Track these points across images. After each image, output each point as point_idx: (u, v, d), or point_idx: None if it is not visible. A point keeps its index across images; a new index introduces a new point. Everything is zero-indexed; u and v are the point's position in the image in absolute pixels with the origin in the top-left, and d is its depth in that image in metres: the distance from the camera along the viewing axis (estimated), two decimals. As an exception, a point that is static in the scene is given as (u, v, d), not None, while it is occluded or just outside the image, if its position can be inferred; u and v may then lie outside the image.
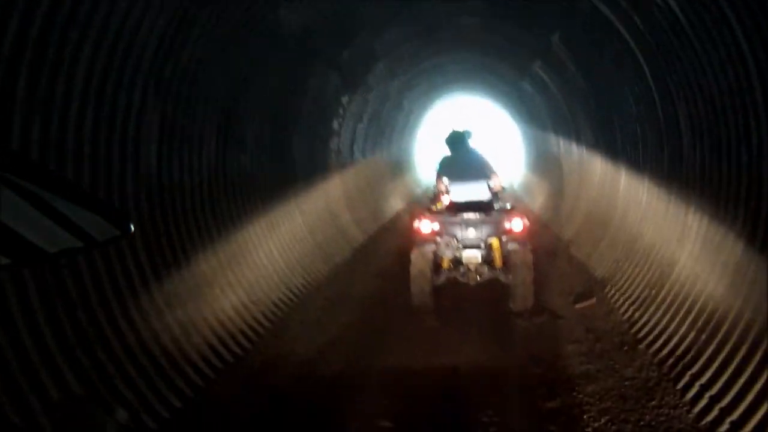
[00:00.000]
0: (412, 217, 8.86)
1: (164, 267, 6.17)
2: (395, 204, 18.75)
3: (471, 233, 8.09)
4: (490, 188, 8.84)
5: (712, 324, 5.73)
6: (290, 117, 9.96)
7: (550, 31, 10.27)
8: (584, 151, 12.42)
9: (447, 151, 9.24)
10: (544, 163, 18.29)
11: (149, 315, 5.72)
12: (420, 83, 17.97)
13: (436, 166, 9.25)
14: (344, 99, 12.66)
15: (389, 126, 18.72)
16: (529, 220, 8.32)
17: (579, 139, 12.76)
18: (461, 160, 8.96)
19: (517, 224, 8.03)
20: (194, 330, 6.36)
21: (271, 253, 8.86)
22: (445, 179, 8.98)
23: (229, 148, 7.68)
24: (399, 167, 21.53)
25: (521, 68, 14.42)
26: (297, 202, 10.46)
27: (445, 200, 9.15)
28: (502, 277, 8.20)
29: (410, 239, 8.43)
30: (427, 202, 9.71)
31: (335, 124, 12.73)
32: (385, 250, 12.65)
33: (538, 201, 17.64)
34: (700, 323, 5.96)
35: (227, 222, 7.71)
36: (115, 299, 5.30)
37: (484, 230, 8.09)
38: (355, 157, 15.18)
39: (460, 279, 8.33)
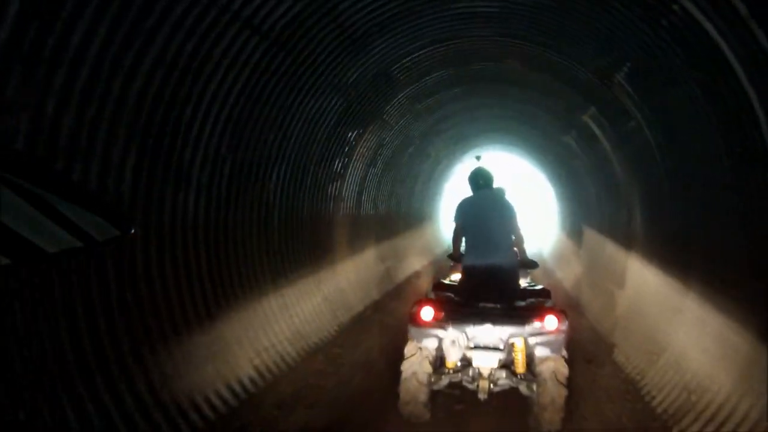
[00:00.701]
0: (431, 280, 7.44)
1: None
2: (411, 264, 16.63)
3: (487, 331, 6.14)
4: (511, 247, 7.17)
5: None
6: (265, 150, 7.75)
7: (613, 61, 8.02)
8: (638, 223, 10.10)
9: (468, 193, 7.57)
10: (581, 232, 16.16)
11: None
12: (447, 129, 15.89)
13: (453, 211, 7.46)
14: (350, 134, 10.42)
15: (411, 175, 16.58)
16: (564, 313, 6.32)
17: (632, 210, 10.46)
18: (483, 203, 7.30)
19: (551, 322, 6.09)
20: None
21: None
22: (462, 238, 7.34)
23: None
24: (420, 223, 19.48)
25: (567, 118, 12.22)
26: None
27: (455, 276, 7.78)
28: (523, 389, 6.35)
29: (406, 329, 6.48)
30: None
31: (338, 165, 10.48)
32: (385, 324, 10.56)
33: (570, 275, 15.40)
34: None
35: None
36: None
37: (506, 327, 6.15)
38: (364, 208, 12.92)
39: (468, 386, 6.46)
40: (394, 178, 14.84)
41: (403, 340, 6.48)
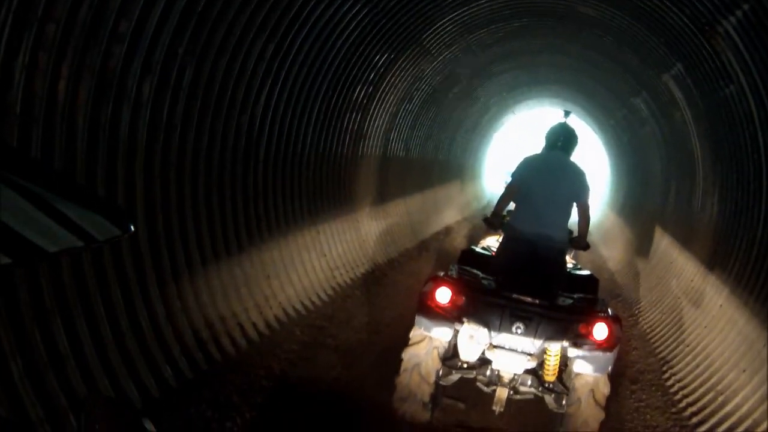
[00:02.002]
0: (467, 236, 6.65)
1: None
2: (445, 217, 15.08)
3: (517, 330, 4.70)
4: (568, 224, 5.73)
5: None
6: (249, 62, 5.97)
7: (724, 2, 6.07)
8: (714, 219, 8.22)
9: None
10: (635, 211, 14.40)
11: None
12: (502, 72, 14.02)
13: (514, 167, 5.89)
14: (377, 59, 8.54)
15: (453, 119, 14.76)
16: (619, 321, 4.97)
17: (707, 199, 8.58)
18: (553, 167, 5.69)
19: (600, 331, 4.69)
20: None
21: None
22: (511, 202, 5.77)
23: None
24: (461, 173, 17.90)
25: (642, 76, 10.25)
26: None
27: (490, 240, 6.45)
28: (550, 401, 5.07)
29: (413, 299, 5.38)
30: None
31: (359, 93, 8.65)
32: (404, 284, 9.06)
33: (616, 259, 13.63)
34: None
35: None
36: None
37: (541, 330, 4.68)
38: (391, 149, 11.13)
39: (483, 388, 5.16)
40: (432, 121, 12.99)
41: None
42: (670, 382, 6.96)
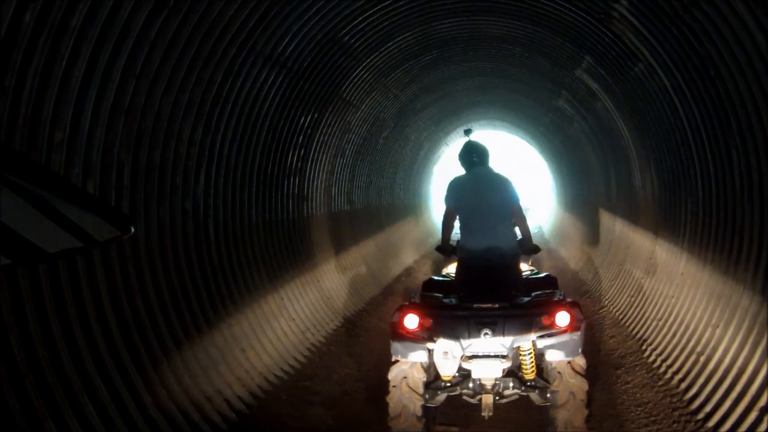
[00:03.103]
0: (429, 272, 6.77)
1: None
2: (403, 259, 15.13)
3: (487, 338, 4.88)
4: (514, 231, 5.95)
5: None
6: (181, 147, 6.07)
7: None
8: (655, 186, 8.47)
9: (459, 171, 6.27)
10: (583, 205, 14.65)
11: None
12: (425, 107, 14.26)
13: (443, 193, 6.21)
14: (302, 120, 8.68)
15: (389, 163, 14.95)
16: (578, 306, 5.20)
17: (645, 176, 8.83)
18: (479, 183, 5.95)
19: (562, 318, 4.93)
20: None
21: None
22: (457, 219, 6.03)
23: None
24: (409, 213, 18.01)
25: (557, 77, 10.55)
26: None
27: (451, 268, 6.36)
28: (535, 397, 5.33)
29: (388, 342, 5.25)
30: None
31: (292, 157, 8.77)
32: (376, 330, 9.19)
33: (576, 257, 13.84)
34: None
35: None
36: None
37: (508, 329, 4.90)
38: (335, 204, 11.23)
39: (470, 400, 5.39)
40: (369, 169, 13.15)
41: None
42: (651, 359, 7.11)
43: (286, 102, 7.88)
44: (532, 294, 5.45)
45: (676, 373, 6.41)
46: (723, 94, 5.57)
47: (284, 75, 7.49)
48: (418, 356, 5.05)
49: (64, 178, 4.08)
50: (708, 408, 5.55)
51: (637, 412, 6.08)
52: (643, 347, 7.50)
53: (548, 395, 5.24)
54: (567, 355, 5.00)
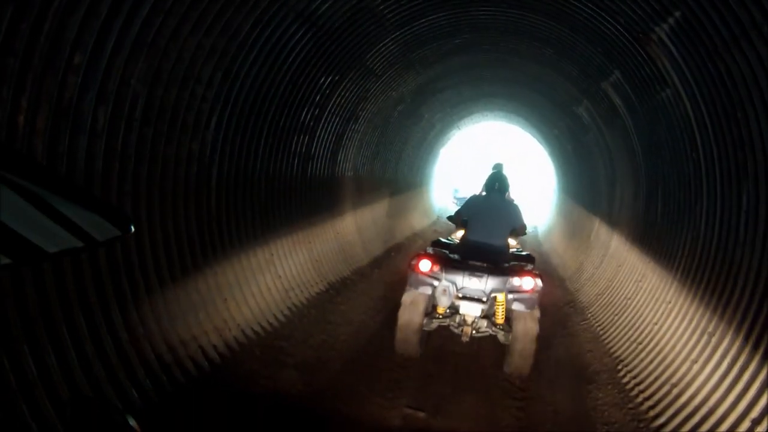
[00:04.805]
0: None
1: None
2: (396, 235, 15.13)
3: (474, 284, 7.14)
4: (507, 242, 8.17)
5: None
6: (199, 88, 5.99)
7: (656, 9, 6.27)
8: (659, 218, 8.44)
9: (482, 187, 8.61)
10: (583, 214, 14.62)
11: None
12: (445, 88, 14.13)
13: (456, 192, 8.72)
14: (322, 81, 8.62)
15: (399, 137, 14.84)
16: (540, 276, 7.26)
17: (651, 202, 8.79)
18: (492, 206, 8.10)
19: (527, 282, 7.09)
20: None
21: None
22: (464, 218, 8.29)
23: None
24: (410, 190, 17.94)
25: (583, 85, 10.46)
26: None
27: (458, 234, 8.79)
28: (500, 337, 7.42)
29: (403, 280, 7.49)
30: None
31: (306, 115, 8.71)
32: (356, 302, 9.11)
33: (566, 262, 13.84)
34: None
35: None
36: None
37: (489, 283, 7.13)
38: (340, 170, 11.17)
39: (454, 330, 7.56)
40: (378, 140, 13.08)
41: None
42: (625, 380, 7.12)
43: (309, 60, 7.82)
44: (512, 263, 7.55)
45: (647, 399, 6.43)
46: (745, 136, 5.52)
47: (312, 33, 7.42)
48: (426, 289, 7.12)
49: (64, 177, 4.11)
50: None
51: (603, 431, 6.11)
52: (618, 367, 7.52)
53: (510, 337, 7.15)
54: (527, 308, 7.00)
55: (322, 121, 9.48)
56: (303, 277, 9.06)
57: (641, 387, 6.74)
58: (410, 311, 7.12)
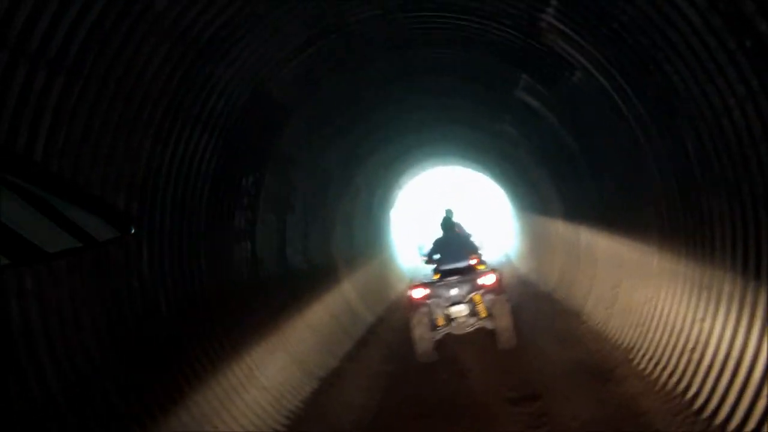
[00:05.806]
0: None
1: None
2: (362, 320, 14.42)
3: (455, 291, 9.83)
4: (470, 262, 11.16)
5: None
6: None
7: None
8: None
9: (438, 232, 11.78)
10: (541, 223, 14.67)
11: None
12: (369, 153, 13.97)
13: (422, 248, 12.69)
14: (244, 182, 8.31)
15: (341, 213, 14.43)
16: (497, 271, 10.19)
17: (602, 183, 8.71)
18: (452, 241, 11.37)
19: (489, 279, 9.78)
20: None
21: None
22: (436, 256, 11.36)
23: None
24: (374, 261, 17.50)
25: (499, 99, 10.41)
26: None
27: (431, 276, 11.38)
28: (488, 325, 9.75)
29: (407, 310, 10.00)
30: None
31: (239, 220, 8.38)
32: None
33: (548, 278, 13.76)
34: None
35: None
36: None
37: (465, 287, 9.81)
38: (291, 262, 10.74)
39: (453, 331, 9.92)
40: (322, 223, 12.71)
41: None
42: (642, 366, 6.94)
43: (224, 164, 7.52)
44: (478, 271, 10.49)
45: (670, 375, 6.15)
46: (664, 83, 5.40)
47: (215, 134, 7.12)
48: (424, 309, 9.72)
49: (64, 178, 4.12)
50: (712, 405, 5.37)
51: (638, 423, 5.80)
52: (631, 356, 7.26)
53: (494, 323, 9.60)
54: (496, 295, 9.64)
55: (257, 222, 9.12)
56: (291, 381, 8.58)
57: (661, 366, 6.61)
58: (419, 328, 9.70)
